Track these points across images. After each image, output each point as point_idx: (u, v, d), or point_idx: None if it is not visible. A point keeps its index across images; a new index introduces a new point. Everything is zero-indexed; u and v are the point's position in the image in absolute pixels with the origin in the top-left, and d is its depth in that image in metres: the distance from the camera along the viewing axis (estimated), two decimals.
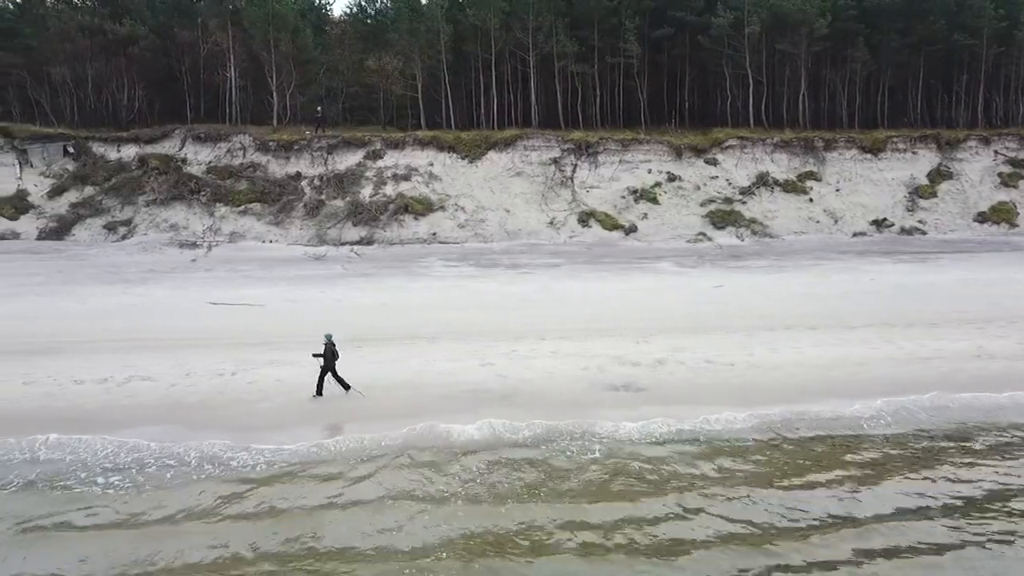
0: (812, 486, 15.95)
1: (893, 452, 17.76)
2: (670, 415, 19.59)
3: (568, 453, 17.53)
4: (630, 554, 13.43)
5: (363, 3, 65.74)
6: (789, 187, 51.87)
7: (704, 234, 48.10)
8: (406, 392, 21.14)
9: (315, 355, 20.82)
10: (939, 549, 13.54)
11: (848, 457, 17.51)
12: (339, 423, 19.14)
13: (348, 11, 67.62)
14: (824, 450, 17.88)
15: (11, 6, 63.52)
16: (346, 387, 20.99)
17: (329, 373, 20.91)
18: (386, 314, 30.57)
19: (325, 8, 68.96)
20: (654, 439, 18.34)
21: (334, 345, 20.78)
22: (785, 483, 16.11)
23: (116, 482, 16.10)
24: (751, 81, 56.15)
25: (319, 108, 55.92)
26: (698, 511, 14.95)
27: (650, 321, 28.75)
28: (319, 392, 20.96)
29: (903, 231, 49.98)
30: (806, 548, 13.61)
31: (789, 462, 17.22)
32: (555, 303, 32.39)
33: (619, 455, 17.40)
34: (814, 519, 14.58)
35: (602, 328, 27.70)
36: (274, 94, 55.58)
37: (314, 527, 14.30)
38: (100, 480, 16.20)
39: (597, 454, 17.48)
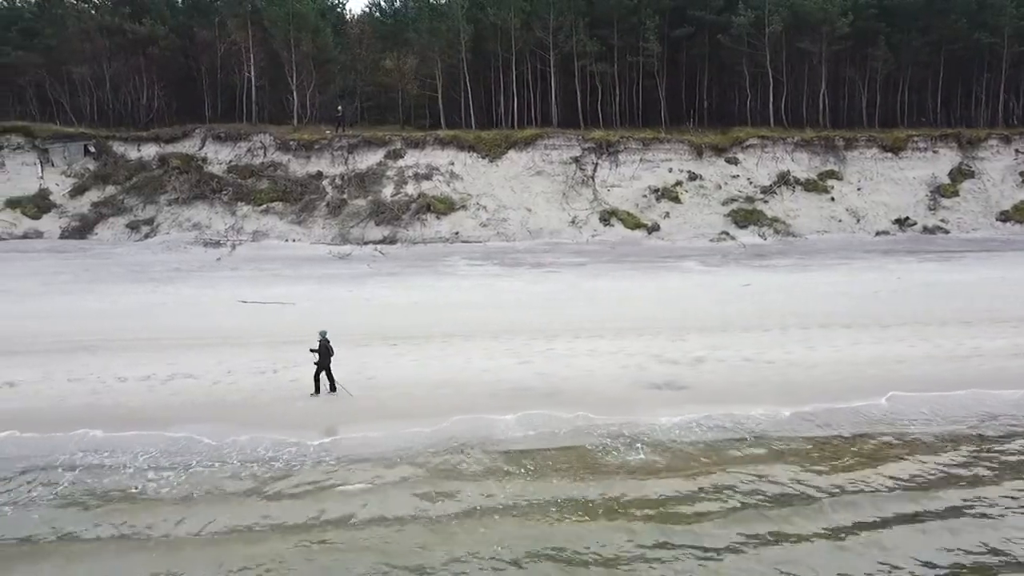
0: (867, 484, 15.91)
1: (942, 450, 17.70)
2: (714, 413, 19.61)
3: (617, 450, 17.53)
4: (688, 551, 13.43)
5: (382, 3, 65.77)
6: (810, 186, 51.73)
7: (727, 233, 48.01)
8: (448, 390, 21.16)
9: (312, 350, 20.66)
10: (993, 551, 13.44)
11: (898, 454, 17.49)
12: (386, 419, 19.11)
13: (367, 10, 67.53)
14: (873, 447, 17.86)
15: (26, 4, 63.88)
16: (333, 387, 20.83)
17: (323, 371, 20.79)
18: (418, 313, 30.59)
19: (340, 7, 68.80)
20: (702, 437, 18.32)
21: (328, 342, 20.64)
22: (838, 481, 16.06)
23: (181, 478, 16.20)
24: (771, 80, 55.99)
25: (340, 107, 55.96)
26: (751, 508, 14.95)
27: (683, 320, 28.77)
28: (317, 390, 20.80)
29: (926, 230, 49.81)
30: (870, 546, 13.59)
31: (839, 459, 17.17)
32: (585, 302, 32.36)
33: (669, 452, 17.40)
34: (876, 517, 14.54)
35: (636, 327, 27.67)
36: (294, 93, 55.65)
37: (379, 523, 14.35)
38: (170, 475, 16.31)
39: (645, 452, 17.46)
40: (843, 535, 13.87)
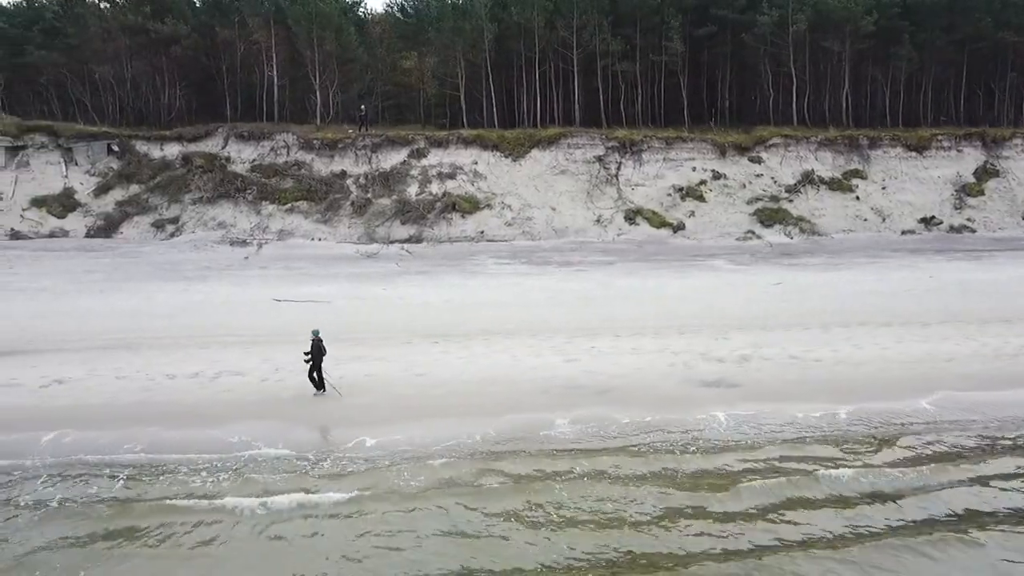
0: (939, 483, 15.78)
1: (1003, 449, 17.58)
2: (769, 410, 19.51)
3: (679, 448, 17.45)
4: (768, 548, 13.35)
5: (403, 2, 65.74)
6: (835, 185, 51.56)
7: (753, 232, 47.86)
8: (499, 387, 21.11)
9: (305, 353, 20.37)
10: None
11: (959, 452, 17.37)
12: (440, 417, 19.01)
13: (388, 9, 67.47)
14: (934, 446, 17.70)
15: (48, 4, 64.06)
16: (322, 387, 20.59)
17: (316, 369, 20.56)
18: (453, 311, 30.54)
19: (358, 6, 68.43)
20: (761, 434, 18.21)
21: (321, 341, 20.43)
22: (910, 479, 15.94)
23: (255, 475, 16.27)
24: (794, 79, 55.80)
25: (363, 107, 55.96)
26: (820, 505, 14.88)
27: (721, 318, 28.67)
28: (321, 388, 20.59)
29: (952, 229, 49.59)
30: (942, 545, 13.48)
31: (905, 458, 17.05)
32: (619, 300, 32.25)
33: (730, 451, 17.31)
34: (948, 514, 14.44)
35: (675, 325, 27.59)
36: (317, 92, 55.64)
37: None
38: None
39: (706, 449, 17.38)
40: (927, 533, 13.78)
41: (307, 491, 15.43)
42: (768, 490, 15.37)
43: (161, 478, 16.11)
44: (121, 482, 15.94)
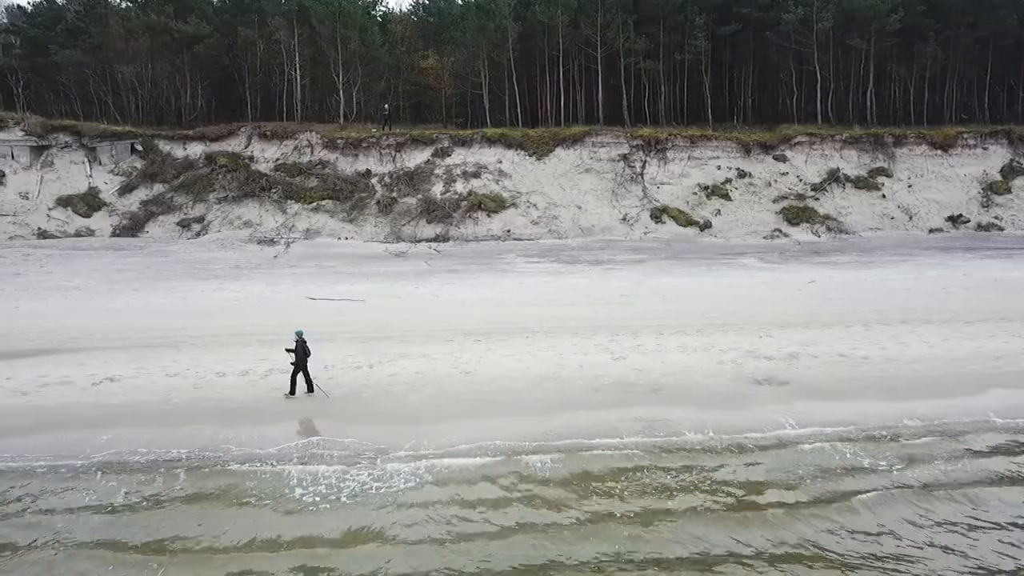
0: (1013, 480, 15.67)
1: None
2: (825, 409, 19.38)
3: (744, 448, 17.37)
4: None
5: (426, 1, 65.65)
6: (861, 183, 51.28)
7: (779, 230, 47.62)
8: (551, 384, 21.08)
9: (288, 350, 20.18)
10: None
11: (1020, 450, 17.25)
12: (495, 414, 18.96)
13: (411, 8, 67.39)
14: (1009, 445, 17.59)
15: (69, 4, 64.23)
16: (311, 388, 20.32)
17: (300, 371, 20.29)
18: (488, 309, 30.42)
19: (375, 5, 68.15)
20: (825, 433, 18.10)
21: (305, 342, 20.11)
22: (983, 477, 15.84)
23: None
24: (818, 77, 55.55)
25: (386, 106, 55.92)
26: (900, 504, 14.77)
27: (760, 316, 28.47)
28: (292, 391, 20.23)
29: (980, 227, 49.27)
30: None
31: (972, 455, 16.94)
32: (656, 298, 32.10)
33: (812, 450, 17.23)
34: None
35: (717, 323, 27.45)
36: (340, 92, 55.60)
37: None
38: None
39: (775, 447, 17.27)
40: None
41: (372, 486, 15.43)
42: (834, 488, 15.28)
43: (221, 474, 16.12)
44: (183, 479, 15.93)
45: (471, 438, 17.65)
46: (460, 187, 49.44)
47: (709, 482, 15.72)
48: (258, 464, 16.49)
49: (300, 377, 20.30)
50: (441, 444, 17.40)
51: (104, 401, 19.70)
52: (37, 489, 15.52)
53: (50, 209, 47.83)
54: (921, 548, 13.20)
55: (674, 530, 13.88)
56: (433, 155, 51.54)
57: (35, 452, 16.99)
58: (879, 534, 13.65)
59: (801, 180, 51.24)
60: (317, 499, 14.96)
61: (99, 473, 16.19)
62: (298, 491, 15.26)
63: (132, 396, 20.10)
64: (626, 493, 15.23)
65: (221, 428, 18.14)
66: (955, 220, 49.65)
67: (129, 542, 13.56)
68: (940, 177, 52.41)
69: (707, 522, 14.12)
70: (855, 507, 14.55)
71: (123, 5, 61.29)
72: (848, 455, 16.93)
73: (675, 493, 15.27)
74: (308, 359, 20.29)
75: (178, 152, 52.28)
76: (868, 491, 15.10)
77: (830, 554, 13.03)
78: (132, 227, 47.92)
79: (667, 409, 19.28)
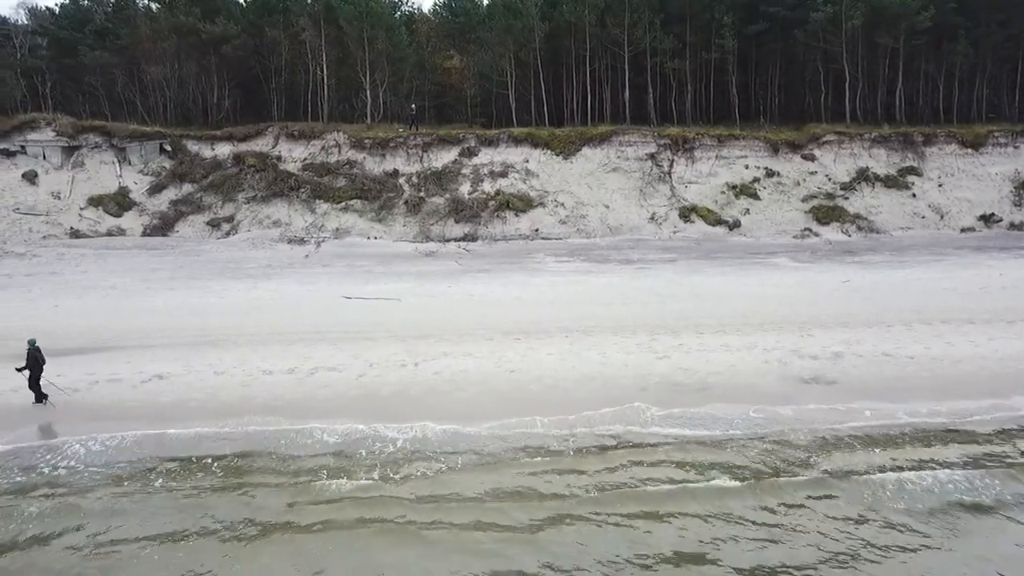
0: None
1: None
2: (875, 408, 19.26)
3: (799, 444, 17.29)
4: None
5: (452, 1, 65.74)
6: (891, 183, 50.91)
7: (809, 229, 47.36)
8: (597, 383, 21.05)
9: (18, 369, 19.49)
10: None
11: None
12: (544, 412, 18.96)
13: (436, 8, 67.50)
14: None
15: (98, 5, 64.82)
16: (42, 397, 19.67)
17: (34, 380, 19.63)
18: (525, 307, 30.38)
19: (400, 5, 68.33)
20: (882, 432, 18.00)
21: (39, 351, 19.46)
22: None
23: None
24: (847, 75, 55.22)
25: (413, 106, 56.04)
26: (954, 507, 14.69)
27: (798, 315, 28.29)
28: (42, 398, 19.69)
29: (1012, 226, 48.78)
30: None
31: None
32: (691, 298, 31.94)
33: (857, 450, 17.13)
34: None
35: (756, 322, 27.30)
36: (367, 92, 55.76)
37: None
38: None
39: (832, 448, 17.18)
40: None
41: (437, 481, 15.50)
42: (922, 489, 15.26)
43: (281, 467, 16.28)
44: (242, 474, 16.08)
45: (527, 434, 17.82)
46: (487, 186, 49.47)
47: (758, 477, 15.67)
48: (319, 461, 16.63)
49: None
50: (492, 440, 17.46)
51: (154, 399, 19.87)
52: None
53: (82, 209, 48.17)
54: None
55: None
56: (460, 155, 51.60)
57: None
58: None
59: (830, 179, 50.93)
60: (380, 500, 15.05)
61: (165, 470, 16.31)
62: (362, 480, 15.31)
63: (183, 394, 20.28)
64: (685, 493, 15.22)
65: (281, 422, 18.35)
66: (987, 219, 49.20)
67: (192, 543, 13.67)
68: (971, 176, 51.95)
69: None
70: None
71: (152, 7, 61.67)
72: (907, 453, 16.81)
73: (742, 491, 15.25)
74: (42, 368, 19.58)
75: (206, 152, 52.57)
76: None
77: None
78: (162, 227, 48.20)
79: (717, 408, 19.23)
